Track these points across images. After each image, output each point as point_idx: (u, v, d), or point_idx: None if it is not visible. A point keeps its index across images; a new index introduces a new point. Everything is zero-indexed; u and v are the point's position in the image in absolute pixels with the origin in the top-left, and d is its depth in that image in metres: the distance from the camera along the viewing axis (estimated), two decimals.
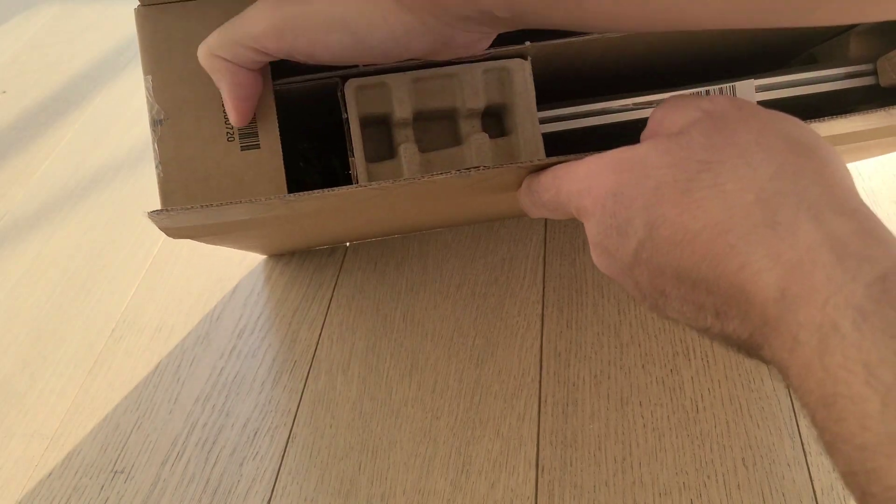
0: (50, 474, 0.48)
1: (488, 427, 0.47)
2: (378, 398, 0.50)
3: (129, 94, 0.84)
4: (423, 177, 0.33)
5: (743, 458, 0.45)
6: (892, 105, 0.35)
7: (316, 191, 0.33)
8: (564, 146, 0.40)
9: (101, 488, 0.47)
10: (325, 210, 0.37)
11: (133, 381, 0.53)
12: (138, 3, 0.36)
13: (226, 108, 0.35)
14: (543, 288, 0.55)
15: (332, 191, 0.33)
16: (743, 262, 0.24)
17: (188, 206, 0.35)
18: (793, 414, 0.47)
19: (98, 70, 0.89)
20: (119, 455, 0.48)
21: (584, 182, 0.30)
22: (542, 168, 0.34)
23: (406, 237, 0.60)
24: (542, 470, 0.45)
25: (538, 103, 0.39)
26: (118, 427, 0.50)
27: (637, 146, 0.29)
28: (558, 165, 0.33)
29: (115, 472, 0.47)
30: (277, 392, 0.51)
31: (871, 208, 0.25)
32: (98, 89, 0.85)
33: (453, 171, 0.32)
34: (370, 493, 0.45)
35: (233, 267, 0.60)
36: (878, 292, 0.21)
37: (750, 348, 0.26)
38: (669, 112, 0.30)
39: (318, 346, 0.54)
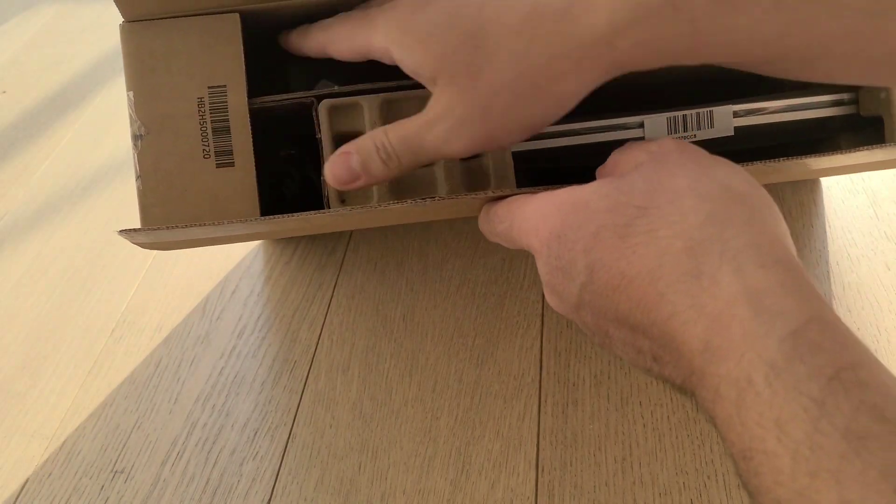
0: (50, 474, 0.48)
1: (488, 427, 0.47)
2: (378, 398, 0.50)
3: None
4: (379, 205, 0.35)
5: None
6: (874, 145, 0.36)
7: (277, 216, 0.34)
8: (539, 164, 0.41)
9: (101, 488, 0.47)
10: (290, 228, 0.37)
11: (133, 381, 0.53)
12: (122, 20, 0.37)
13: (339, 176, 0.35)
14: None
15: (293, 216, 0.34)
16: (671, 311, 0.25)
17: (155, 226, 0.36)
18: None
19: (98, 70, 0.89)
20: (119, 455, 0.48)
21: (532, 221, 0.31)
22: (499, 198, 0.35)
23: (406, 237, 0.60)
24: (542, 470, 0.45)
25: None
26: (118, 427, 0.50)
27: (583, 187, 0.30)
28: (513, 198, 0.33)
29: (115, 472, 0.47)
30: (277, 392, 0.51)
31: (871, 209, 0.25)
32: (98, 89, 0.85)
33: (409, 201, 0.34)
34: (370, 493, 0.45)
35: (233, 267, 0.60)
36: (790, 348, 0.22)
37: (686, 393, 0.26)
38: (623, 154, 0.32)
39: (318, 346, 0.54)
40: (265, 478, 0.46)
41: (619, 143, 0.38)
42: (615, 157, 0.32)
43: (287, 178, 0.46)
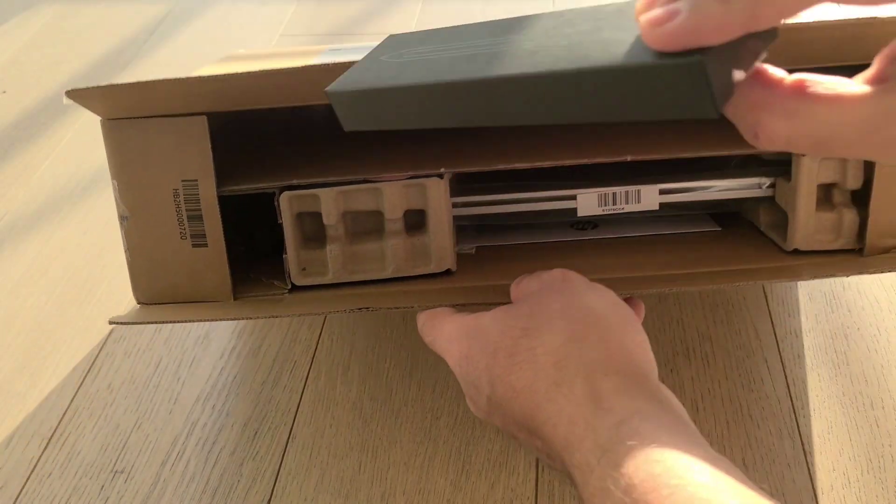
0: (50, 474, 0.48)
1: (488, 427, 0.47)
2: (378, 398, 0.50)
3: None
4: (327, 311, 0.43)
5: (743, 458, 0.45)
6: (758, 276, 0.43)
7: (246, 312, 0.42)
8: (482, 224, 0.48)
9: (101, 488, 0.47)
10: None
11: (133, 381, 0.53)
12: (102, 118, 0.41)
13: None
14: None
15: (260, 310, 0.42)
16: (545, 417, 0.31)
17: (143, 320, 0.43)
18: (793, 414, 0.47)
19: (98, 70, 0.89)
20: (119, 455, 0.48)
21: (446, 344, 0.37)
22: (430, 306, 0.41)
23: None
24: (542, 470, 0.45)
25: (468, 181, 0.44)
26: (118, 427, 0.50)
27: (484, 314, 0.36)
28: (434, 315, 0.39)
29: (115, 472, 0.47)
30: (277, 392, 0.51)
31: None
32: None
33: (346, 309, 0.41)
34: (370, 493, 0.45)
35: None
36: (615, 435, 0.28)
37: (575, 486, 0.30)
38: (526, 282, 0.38)
39: (318, 346, 0.54)
40: (265, 478, 0.46)
41: (556, 212, 0.45)
42: (522, 283, 0.38)
43: (257, 231, 0.46)
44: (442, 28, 0.33)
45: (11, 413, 0.52)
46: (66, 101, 0.38)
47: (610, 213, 0.44)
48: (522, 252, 0.47)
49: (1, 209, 0.70)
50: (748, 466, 0.44)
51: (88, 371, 0.54)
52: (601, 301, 0.35)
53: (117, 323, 0.43)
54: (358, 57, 0.33)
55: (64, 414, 0.51)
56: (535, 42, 0.28)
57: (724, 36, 0.22)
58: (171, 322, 0.44)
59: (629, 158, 0.41)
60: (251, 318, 0.44)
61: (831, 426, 0.46)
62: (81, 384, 0.53)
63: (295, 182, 0.41)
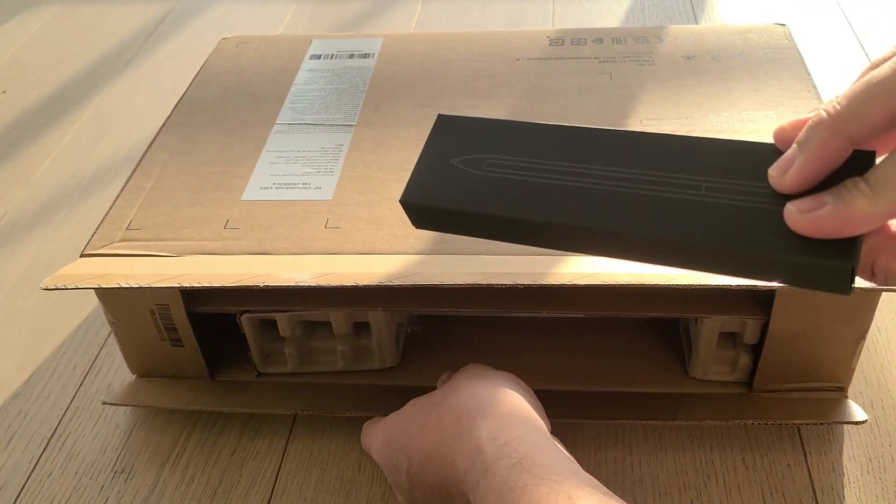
0: (50, 474, 0.48)
1: None
2: None
3: (129, 94, 0.84)
4: (283, 411, 0.48)
5: (743, 458, 0.45)
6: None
7: (214, 403, 0.49)
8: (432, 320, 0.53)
9: (101, 488, 0.47)
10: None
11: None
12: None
13: None
14: None
15: (226, 405, 0.48)
16: (451, 462, 0.36)
17: (132, 402, 0.50)
18: None
19: (98, 70, 0.89)
20: (119, 455, 0.48)
21: (372, 439, 0.42)
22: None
23: None
24: None
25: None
26: (118, 427, 0.50)
27: (404, 407, 0.41)
28: (368, 424, 0.44)
29: (115, 472, 0.47)
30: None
31: None
32: (98, 89, 0.85)
33: (295, 411, 0.48)
34: (370, 493, 0.45)
35: None
36: (497, 453, 0.34)
37: None
38: (445, 375, 0.45)
39: None
40: (265, 478, 0.46)
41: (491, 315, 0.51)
42: (443, 377, 0.45)
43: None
44: (513, 122, 0.30)
45: (11, 413, 0.52)
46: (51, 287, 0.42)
47: (541, 316, 0.51)
48: (463, 338, 0.52)
49: (1, 209, 0.70)
50: (748, 467, 0.44)
51: (88, 371, 0.54)
52: (504, 378, 0.41)
53: (110, 404, 0.50)
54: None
55: (64, 414, 0.51)
56: (656, 184, 0.27)
57: (871, 228, 0.25)
58: (157, 407, 0.50)
59: (545, 314, 0.49)
60: (223, 410, 0.49)
61: (831, 426, 0.46)
62: (81, 384, 0.53)
63: (252, 308, 0.47)
